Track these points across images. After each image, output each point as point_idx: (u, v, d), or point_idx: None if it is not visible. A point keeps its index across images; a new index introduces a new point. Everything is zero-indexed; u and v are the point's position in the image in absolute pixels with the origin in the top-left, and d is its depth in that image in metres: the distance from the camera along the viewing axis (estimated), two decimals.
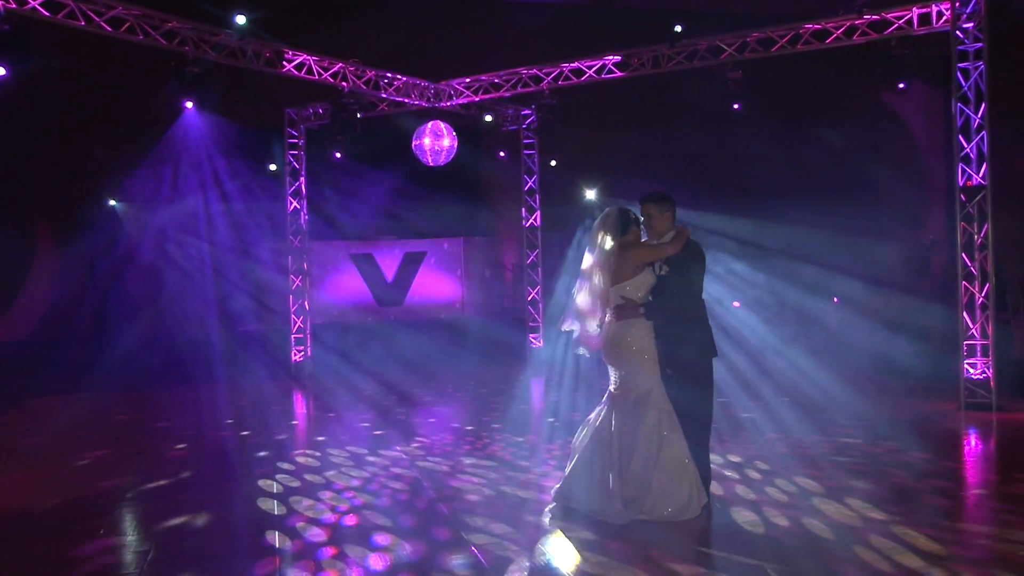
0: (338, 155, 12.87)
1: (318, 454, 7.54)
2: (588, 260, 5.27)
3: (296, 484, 6.47)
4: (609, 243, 5.13)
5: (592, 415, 5.31)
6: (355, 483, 6.48)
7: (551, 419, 8.97)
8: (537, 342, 13.95)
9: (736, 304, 12.77)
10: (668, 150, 14.42)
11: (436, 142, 12.11)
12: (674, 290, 5.18)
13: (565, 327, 5.36)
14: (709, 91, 10.63)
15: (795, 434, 7.77)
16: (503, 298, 17.27)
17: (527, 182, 13.90)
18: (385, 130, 13.73)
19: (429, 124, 12.20)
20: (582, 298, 5.27)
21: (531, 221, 13.93)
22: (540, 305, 13.96)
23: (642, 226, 5.30)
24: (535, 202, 13.89)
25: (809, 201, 12.60)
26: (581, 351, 5.35)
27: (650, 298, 5.22)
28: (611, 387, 5.23)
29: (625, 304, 5.13)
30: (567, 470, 5.38)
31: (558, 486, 5.47)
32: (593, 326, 5.23)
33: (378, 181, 15.73)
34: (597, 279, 5.17)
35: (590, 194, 15.10)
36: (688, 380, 5.13)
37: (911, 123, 13.59)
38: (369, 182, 15.66)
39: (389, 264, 16.34)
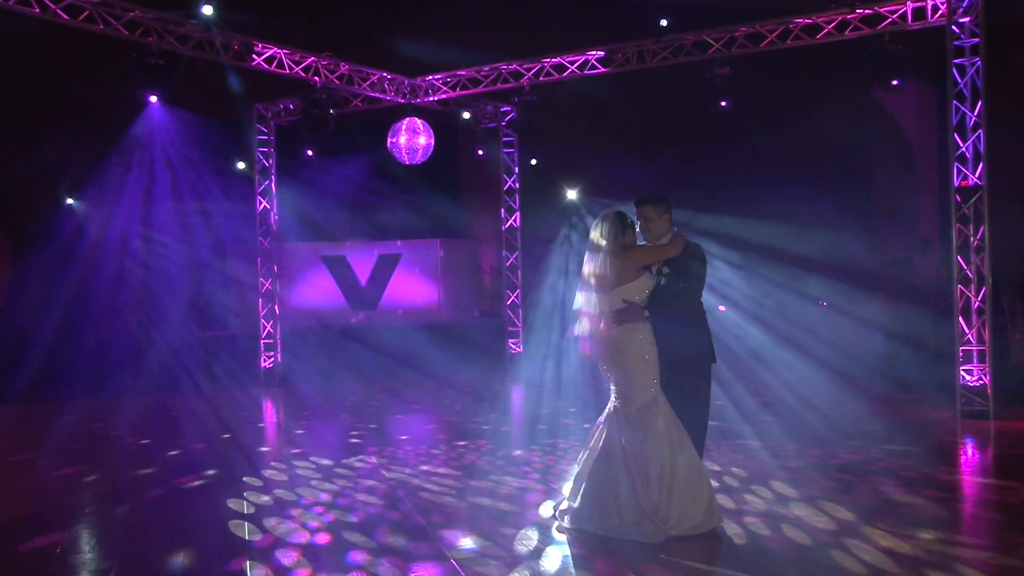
0: (310, 153, 12.81)
1: (289, 467, 7.44)
2: (588, 264, 5.28)
3: (266, 500, 6.34)
4: (609, 245, 5.16)
5: (593, 438, 5.25)
6: (326, 497, 6.39)
7: (533, 428, 8.95)
8: (517, 347, 13.93)
9: (721, 308, 12.80)
10: (653, 149, 14.45)
11: (412, 140, 12.09)
12: (675, 293, 5.21)
13: (573, 333, 5.36)
14: (696, 88, 10.64)
15: (784, 443, 7.77)
16: (481, 302, 17.24)
17: (506, 181, 13.87)
18: (359, 127, 13.68)
19: (405, 121, 12.18)
20: (583, 303, 5.28)
21: (511, 222, 13.91)
22: (520, 309, 13.92)
23: (638, 230, 5.32)
24: (515, 202, 13.87)
25: (796, 202, 12.65)
26: (580, 353, 5.35)
27: (650, 300, 5.25)
28: (611, 401, 5.20)
29: (628, 307, 5.13)
30: (576, 496, 5.25)
31: (565, 509, 5.34)
32: (596, 330, 5.22)
33: (351, 180, 15.66)
34: (597, 283, 5.19)
35: (572, 194, 15.06)
36: (686, 385, 5.15)
37: (903, 121, 13.62)
38: (342, 181, 15.58)
39: (363, 266, 16.30)
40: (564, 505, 5.39)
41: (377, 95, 12.22)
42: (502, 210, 13.92)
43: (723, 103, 10.68)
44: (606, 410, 5.20)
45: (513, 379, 13.07)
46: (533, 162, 14.58)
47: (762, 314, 12.62)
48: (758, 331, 12.22)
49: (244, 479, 6.98)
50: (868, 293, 12.29)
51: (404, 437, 8.74)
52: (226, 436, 9.01)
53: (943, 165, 11.11)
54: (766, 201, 12.98)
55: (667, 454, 4.98)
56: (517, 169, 13.86)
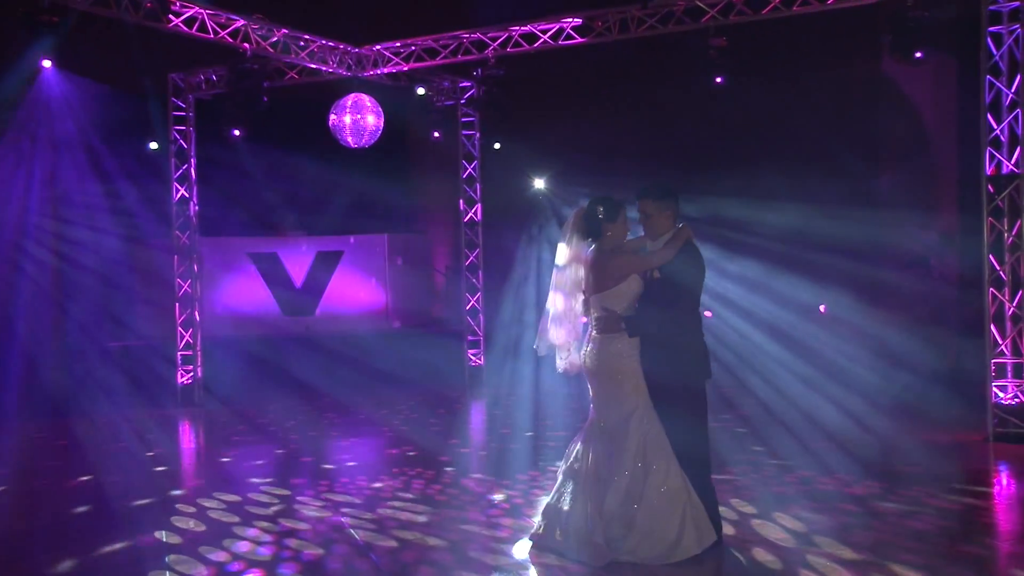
0: (237, 133, 12.58)
1: (213, 503, 7.23)
2: (561, 267, 5.32)
3: (185, 542, 6.12)
4: (583, 247, 5.21)
5: (569, 451, 5.41)
6: (264, 537, 6.22)
7: (496, 450, 8.96)
8: (478, 359, 13.83)
9: (708, 314, 12.74)
10: (637, 131, 14.36)
11: (358, 119, 11.98)
12: (665, 300, 5.18)
13: (541, 349, 5.44)
14: (687, 61, 10.56)
15: (799, 470, 7.74)
16: (436, 306, 17.20)
17: (466, 168, 13.76)
18: (296, 104, 13.48)
19: (350, 97, 12.02)
20: (556, 311, 5.33)
21: (471, 215, 13.80)
22: (481, 315, 13.80)
23: (639, 223, 5.34)
24: (475, 192, 13.75)
25: (795, 191, 12.67)
26: (560, 368, 5.44)
27: (636, 308, 5.28)
28: (591, 413, 5.33)
29: (607, 315, 5.18)
30: (541, 517, 5.48)
31: (538, 529, 5.50)
32: (572, 343, 5.33)
33: (286, 165, 15.38)
34: (572, 288, 5.26)
35: (541, 183, 15.07)
36: (678, 405, 5.15)
37: (917, 99, 13.48)
38: (275, 166, 15.30)
39: (298, 265, 16.06)
40: (540, 530, 5.49)
41: (317, 66, 11.98)
42: (461, 201, 13.82)
43: (718, 79, 10.50)
44: (587, 420, 5.34)
45: (474, 395, 13.00)
46: (497, 146, 14.57)
47: (753, 319, 12.64)
48: (749, 338, 12.30)
49: (162, 517, 6.73)
50: (875, 299, 12.26)
51: (348, 464, 8.67)
52: (131, 468, 8.67)
53: (963, 150, 10.95)
54: (761, 189, 12.99)
55: (638, 478, 5.06)
56: (479, 154, 13.74)
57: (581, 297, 5.31)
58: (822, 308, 12.96)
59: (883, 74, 13.25)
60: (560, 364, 5.42)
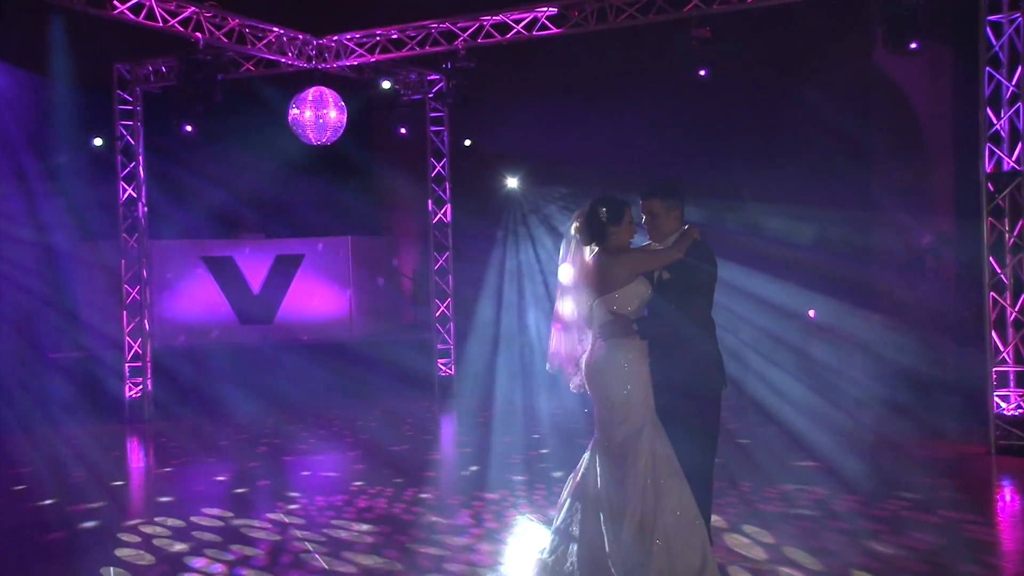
0: (189, 128, 12.43)
1: (162, 529, 7.10)
2: (565, 271, 5.30)
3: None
4: (588, 250, 5.21)
5: (577, 468, 5.28)
6: (215, 568, 6.11)
7: (469, 469, 8.90)
8: (448, 368, 13.70)
9: (811, 313, 12.92)
10: (616, 127, 14.35)
11: (319, 114, 11.89)
12: (676, 303, 5.12)
13: (552, 366, 5.40)
14: (669, 53, 10.51)
15: (784, 484, 7.73)
16: (403, 313, 17.10)
17: (435, 167, 13.64)
18: (253, 98, 13.37)
19: (311, 91, 11.94)
20: (562, 319, 5.31)
21: (440, 216, 13.69)
22: (451, 323, 13.67)
23: (643, 224, 5.28)
24: (445, 192, 13.64)
25: (781, 189, 12.72)
26: (573, 387, 5.36)
27: (645, 312, 5.22)
28: (596, 432, 5.24)
29: (614, 320, 5.11)
30: (550, 541, 5.28)
31: (541, 562, 5.30)
32: (579, 352, 5.28)
33: (242, 163, 15.22)
34: (577, 293, 5.23)
35: (514, 182, 15.07)
36: (685, 420, 5.09)
37: (911, 91, 13.53)
38: (230, 165, 15.13)
39: (255, 270, 15.88)
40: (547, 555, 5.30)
41: (276, 57, 11.87)
42: (429, 201, 13.69)
43: (701, 72, 10.49)
44: (591, 442, 5.26)
45: (444, 408, 12.91)
46: (468, 143, 14.57)
47: (739, 325, 12.57)
48: (736, 345, 12.18)
49: (108, 542, 6.61)
50: (867, 304, 12.25)
51: (307, 484, 8.65)
52: (74, 488, 8.50)
53: (960, 146, 11.01)
54: (747, 187, 13.04)
55: (650, 500, 4.97)
56: (448, 151, 13.60)
57: (582, 301, 5.24)
58: (811, 313, 12.92)
59: (875, 66, 13.29)
60: (574, 382, 5.32)
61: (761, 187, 12.98)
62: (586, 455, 5.22)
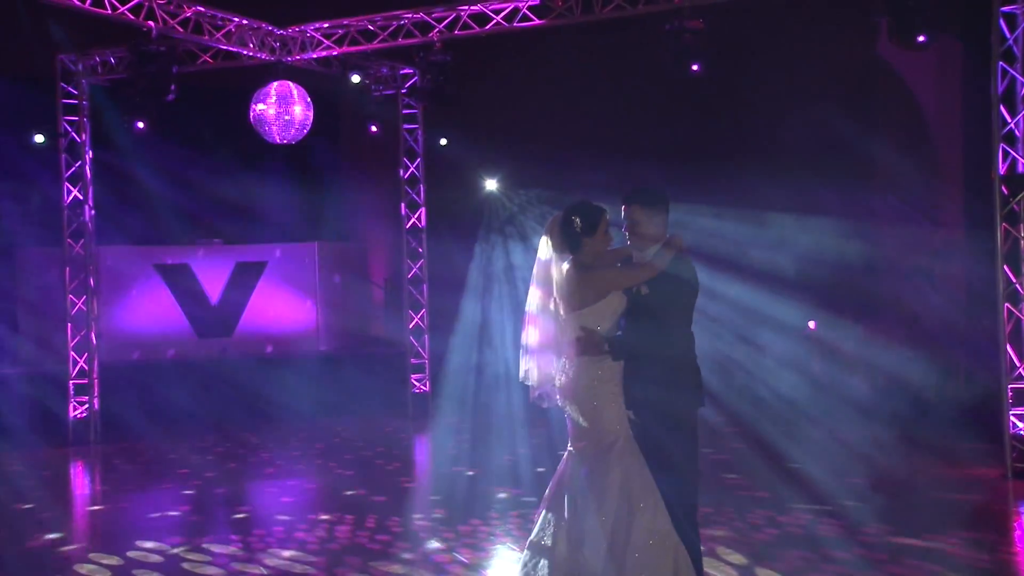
0: (140, 125, 12.37)
1: (112, 560, 7.00)
2: (536, 283, 5.38)
3: None
4: (559, 261, 5.26)
5: (552, 480, 5.36)
6: None
7: (440, 491, 8.95)
8: (422, 385, 13.67)
9: (811, 325, 13.04)
10: (602, 126, 14.38)
11: (284, 111, 11.88)
12: (653, 318, 5.19)
13: (524, 377, 5.47)
14: (659, 47, 10.47)
15: (796, 512, 7.74)
16: (374, 325, 16.95)
17: (408, 167, 13.63)
18: (211, 92, 13.40)
19: (274, 85, 11.90)
20: (533, 334, 5.39)
21: (413, 220, 13.67)
22: (426, 335, 13.65)
23: (624, 231, 5.33)
24: (419, 195, 13.62)
25: (777, 192, 12.71)
26: (545, 404, 5.43)
27: (620, 329, 5.29)
28: (569, 444, 5.32)
29: (586, 336, 5.17)
30: (523, 555, 5.36)
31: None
32: (553, 368, 5.34)
33: (200, 163, 15.02)
34: (548, 307, 5.31)
35: (493, 184, 15.05)
36: (665, 438, 5.12)
37: (918, 87, 13.54)
38: (187, 164, 14.93)
39: (214, 278, 15.76)
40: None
41: (236, 49, 11.87)
42: (403, 205, 13.66)
43: (694, 67, 10.49)
44: (565, 455, 5.34)
45: (419, 427, 12.90)
46: (443, 142, 14.50)
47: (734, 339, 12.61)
48: (732, 361, 12.32)
49: None
50: (871, 315, 12.31)
51: (270, 511, 8.60)
52: (13, 516, 8.38)
53: (970, 146, 11.01)
54: (738, 190, 13.06)
55: (622, 519, 5.03)
56: (422, 151, 13.60)
57: (561, 317, 5.31)
58: (811, 324, 12.96)
59: (879, 60, 13.30)
60: (535, 392, 5.44)
61: (754, 190, 12.99)
62: (560, 466, 5.31)
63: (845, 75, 13.53)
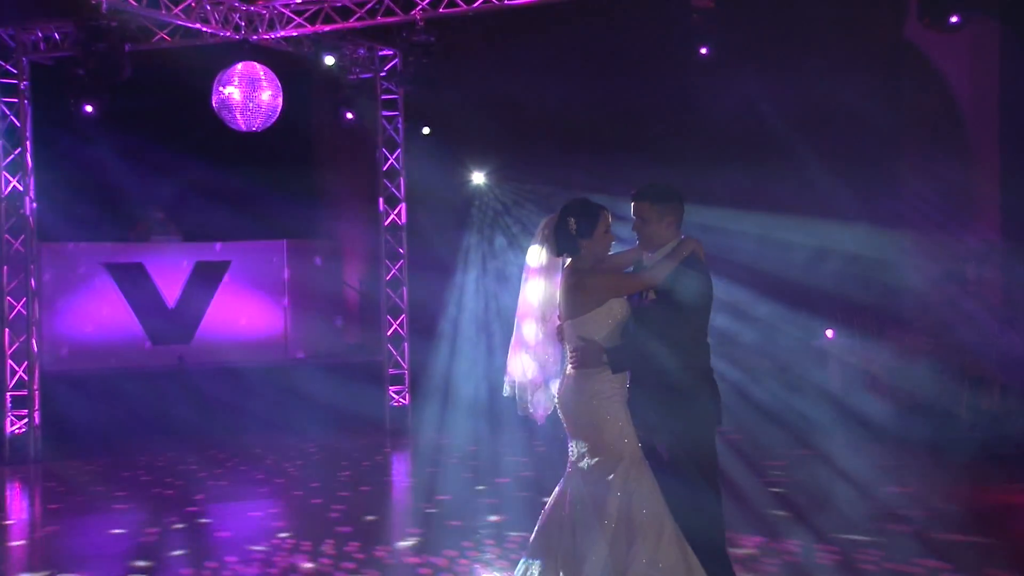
0: (89, 109, 12.09)
1: None
2: (529, 288, 5.38)
3: None
4: (553, 265, 5.28)
5: (545, 509, 5.38)
6: None
7: (418, 516, 9.05)
8: (401, 398, 13.61)
9: (829, 333, 13.10)
10: (601, 113, 14.42)
11: (250, 95, 11.81)
12: (660, 327, 5.16)
13: (511, 392, 5.48)
14: (664, 28, 10.79)
15: (825, 542, 7.66)
16: (348, 331, 16.96)
17: (387, 159, 13.56)
18: (169, 73, 13.14)
19: (239, 67, 11.82)
20: (524, 341, 5.39)
21: (393, 217, 13.63)
22: (405, 343, 13.58)
23: (633, 230, 5.35)
24: (399, 189, 13.57)
25: (796, 187, 12.85)
26: (527, 414, 5.48)
27: (623, 337, 5.28)
28: (570, 456, 5.34)
29: (585, 347, 5.16)
30: None
31: None
32: (544, 382, 5.39)
33: (155, 152, 14.97)
34: (544, 314, 5.33)
35: (480, 177, 15.07)
36: (679, 462, 5.11)
37: (950, 72, 13.54)
38: (140, 153, 14.89)
39: (170, 279, 15.62)
40: None
41: (196, 26, 11.70)
42: (381, 200, 13.58)
43: (702, 50, 10.62)
44: (563, 477, 5.36)
45: (397, 444, 12.92)
46: (426, 131, 14.57)
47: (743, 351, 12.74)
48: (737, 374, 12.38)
49: None
50: (893, 326, 12.43)
51: (228, 538, 8.62)
52: None
53: (1007, 138, 11.18)
54: (753, 184, 13.10)
55: (620, 546, 5.02)
56: (403, 141, 13.55)
57: (555, 325, 5.35)
58: (829, 334, 12.97)
59: (907, 42, 13.35)
60: (525, 407, 5.45)
61: (764, 188, 13.01)
62: (555, 492, 5.30)
63: (869, 60, 13.54)
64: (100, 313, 15.16)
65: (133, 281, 15.30)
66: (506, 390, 5.50)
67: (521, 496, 9.24)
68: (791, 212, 12.72)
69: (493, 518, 8.61)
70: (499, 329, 14.37)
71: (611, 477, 5.09)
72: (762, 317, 12.61)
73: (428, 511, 9.11)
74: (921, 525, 8.01)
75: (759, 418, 11.78)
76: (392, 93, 13.40)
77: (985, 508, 8.64)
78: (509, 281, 14.66)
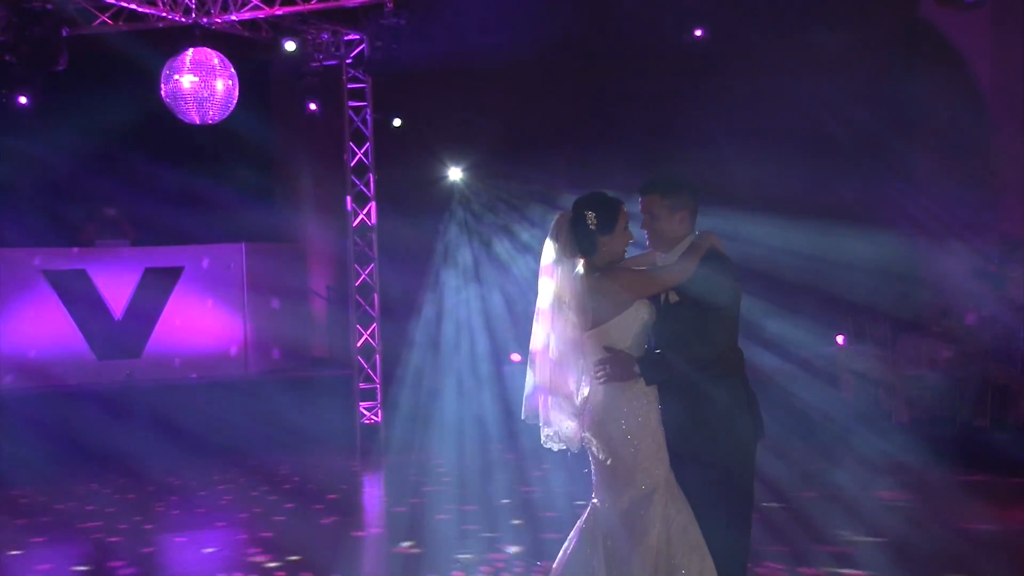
0: (23, 100, 12.20)
1: None
2: (544, 293, 5.33)
3: None
4: (571, 267, 5.27)
5: (560, 556, 5.36)
6: None
7: (401, 545, 8.98)
8: (373, 415, 13.61)
9: (840, 340, 13.20)
10: (588, 102, 14.61)
11: (203, 84, 11.81)
12: (688, 331, 5.14)
13: (529, 414, 5.41)
14: (656, 8, 11.04)
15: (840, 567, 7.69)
16: (314, 343, 17.02)
17: (355, 153, 13.56)
18: (112, 62, 13.15)
19: (190, 53, 11.78)
20: (542, 357, 5.34)
21: (362, 217, 13.61)
22: (377, 355, 13.61)
23: (643, 227, 5.35)
24: (368, 187, 13.58)
25: (803, 179, 12.82)
26: (555, 445, 5.37)
27: (649, 345, 5.32)
28: (593, 495, 5.33)
29: (612, 358, 5.15)
30: None
31: None
32: (569, 402, 5.29)
33: (99, 148, 15.00)
34: (560, 322, 5.26)
35: (458, 173, 15.11)
36: (710, 484, 5.11)
37: (971, 55, 13.61)
38: (82, 149, 14.93)
39: (117, 288, 15.45)
40: None
41: (142, 8, 11.76)
42: (348, 199, 13.55)
43: (697, 32, 11.18)
44: (585, 512, 5.36)
45: (368, 465, 12.91)
46: (397, 123, 14.57)
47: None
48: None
49: None
50: (910, 331, 12.47)
51: (181, 571, 8.75)
52: None
53: None
54: (756, 177, 13.15)
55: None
56: (371, 134, 13.54)
57: (569, 334, 5.28)
58: (840, 339, 13.06)
59: (922, 20, 13.50)
60: (547, 433, 5.34)
61: (767, 182, 13.04)
62: (577, 526, 5.29)
63: (879, 42, 13.59)
64: (38, 325, 15.01)
65: (75, 290, 15.11)
66: (525, 412, 5.44)
67: (517, 530, 9.07)
68: (798, 211, 12.72)
69: (483, 568, 8.41)
70: (481, 337, 14.43)
71: (651, 507, 5.09)
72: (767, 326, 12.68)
73: (400, 553, 8.94)
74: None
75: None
76: (359, 82, 13.36)
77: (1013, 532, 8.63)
78: (491, 287, 14.81)
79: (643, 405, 5.16)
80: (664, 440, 5.17)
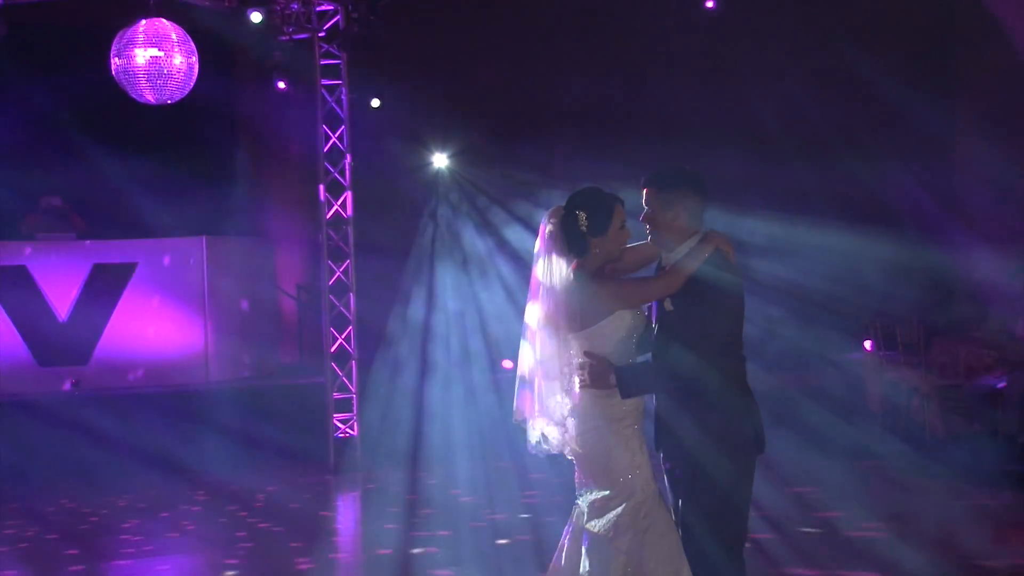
0: None
1: None
2: (534, 292, 5.48)
3: None
4: (561, 266, 5.38)
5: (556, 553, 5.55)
6: None
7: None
8: (348, 428, 13.49)
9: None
10: (586, 79, 14.51)
11: (159, 60, 11.71)
12: (682, 338, 5.24)
13: (518, 416, 5.55)
14: None
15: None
16: (284, 348, 17.05)
17: (329, 137, 13.48)
18: (57, 34, 13.45)
19: (142, 25, 11.69)
20: (530, 360, 5.49)
21: (336, 208, 13.52)
22: (353, 362, 13.50)
23: (641, 220, 5.41)
24: (343, 174, 13.51)
25: (822, 173, 13.07)
26: (542, 450, 5.53)
27: (635, 352, 5.45)
28: (577, 500, 5.49)
29: (591, 363, 5.28)
30: None
31: None
32: (559, 405, 5.43)
33: (42, 131, 15.17)
34: (550, 323, 5.39)
35: (442, 160, 15.08)
36: (705, 497, 5.21)
37: (1014, 24, 13.64)
38: (23, 133, 15.04)
39: (61, 286, 15.38)
40: None
41: None
42: (321, 187, 13.46)
43: (708, 3, 11.36)
44: (573, 513, 5.52)
45: (342, 483, 12.87)
46: (376, 104, 14.57)
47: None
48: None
49: None
50: (943, 337, 12.49)
51: None
52: None
53: None
54: (769, 173, 13.22)
55: None
56: (347, 116, 13.48)
57: (555, 337, 5.40)
58: (867, 345, 13.09)
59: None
60: (533, 436, 5.49)
61: (782, 179, 13.24)
62: (564, 537, 5.42)
63: (910, 19, 13.59)
64: None
65: (14, 288, 15.04)
66: (516, 416, 5.55)
67: (494, 544, 9.07)
68: (821, 212, 12.83)
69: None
70: (473, 342, 14.56)
71: (619, 515, 5.21)
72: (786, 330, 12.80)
73: (375, 567, 8.88)
74: None
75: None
76: (333, 57, 13.27)
77: None
78: (476, 284, 14.87)
79: (620, 415, 5.26)
80: (645, 449, 5.30)
